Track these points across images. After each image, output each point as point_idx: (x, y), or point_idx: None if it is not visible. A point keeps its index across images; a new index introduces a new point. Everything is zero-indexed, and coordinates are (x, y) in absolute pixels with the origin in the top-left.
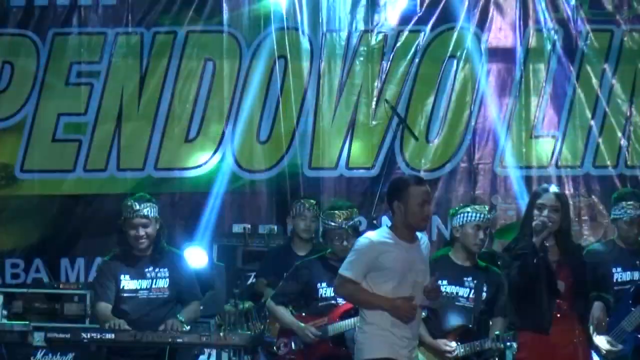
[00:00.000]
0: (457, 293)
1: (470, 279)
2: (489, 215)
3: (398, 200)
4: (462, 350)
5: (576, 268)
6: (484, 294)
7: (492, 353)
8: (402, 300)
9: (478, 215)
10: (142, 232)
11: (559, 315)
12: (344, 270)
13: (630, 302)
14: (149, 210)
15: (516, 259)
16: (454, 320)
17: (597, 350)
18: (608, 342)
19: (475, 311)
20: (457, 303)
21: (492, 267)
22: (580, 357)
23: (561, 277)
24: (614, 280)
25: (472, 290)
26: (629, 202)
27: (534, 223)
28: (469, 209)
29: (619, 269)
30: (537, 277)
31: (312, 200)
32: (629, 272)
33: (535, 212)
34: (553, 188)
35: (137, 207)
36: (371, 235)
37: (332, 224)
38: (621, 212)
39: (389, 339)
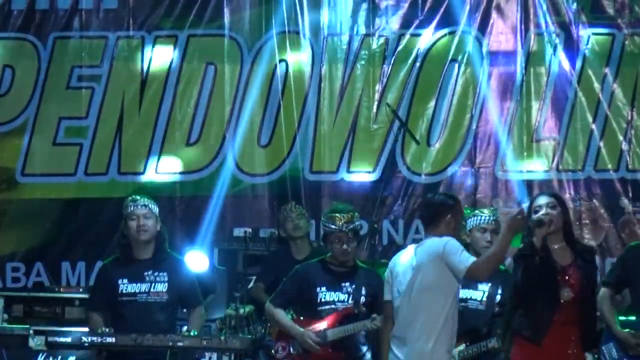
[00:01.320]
0: (470, 297)
1: (484, 283)
2: (493, 217)
3: (452, 215)
4: (469, 351)
5: (587, 271)
6: (498, 297)
7: (498, 351)
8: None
9: (483, 218)
10: (142, 221)
11: (559, 322)
12: (468, 260)
13: None
14: (148, 202)
15: (518, 262)
16: (466, 324)
17: (620, 343)
18: (633, 335)
19: (487, 314)
20: (470, 307)
21: (509, 270)
22: None
23: (570, 282)
24: None
25: (486, 293)
26: None
27: (529, 221)
28: (477, 212)
29: None
30: (539, 280)
31: (292, 202)
32: None
33: (534, 215)
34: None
35: (137, 198)
36: None
37: (333, 226)
38: None
39: None
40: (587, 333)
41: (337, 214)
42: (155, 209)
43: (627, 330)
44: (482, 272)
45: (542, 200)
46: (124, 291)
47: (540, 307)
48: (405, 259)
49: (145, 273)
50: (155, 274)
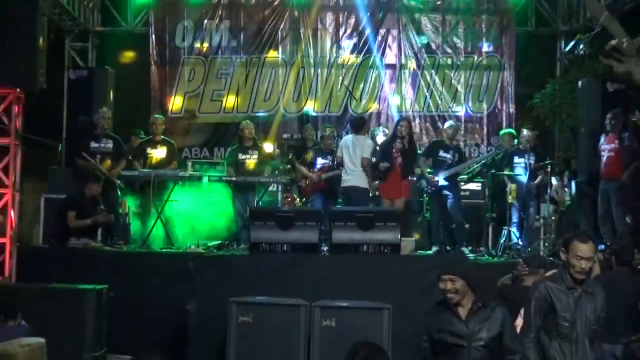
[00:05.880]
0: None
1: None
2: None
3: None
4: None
5: (408, 153)
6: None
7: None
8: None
9: (384, 131)
10: (247, 131)
11: (394, 173)
12: None
13: (446, 168)
14: (251, 124)
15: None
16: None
17: (427, 180)
18: (430, 174)
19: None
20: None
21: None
22: (403, 188)
23: (401, 158)
24: (439, 156)
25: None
26: (449, 122)
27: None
28: (381, 128)
29: (441, 151)
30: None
31: (309, 125)
32: (445, 154)
33: (398, 128)
34: (403, 119)
35: (248, 121)
36: None
37: (325, 134)
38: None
39: None
40: (407, 170)
41: (327, 129)
42: (253, 127)
43: (429, 173)
44: None
45: (403, 123)
46: (239, 158)
47: (389, 167)
48: None
49: (249, 151)
50: (252, 153)
